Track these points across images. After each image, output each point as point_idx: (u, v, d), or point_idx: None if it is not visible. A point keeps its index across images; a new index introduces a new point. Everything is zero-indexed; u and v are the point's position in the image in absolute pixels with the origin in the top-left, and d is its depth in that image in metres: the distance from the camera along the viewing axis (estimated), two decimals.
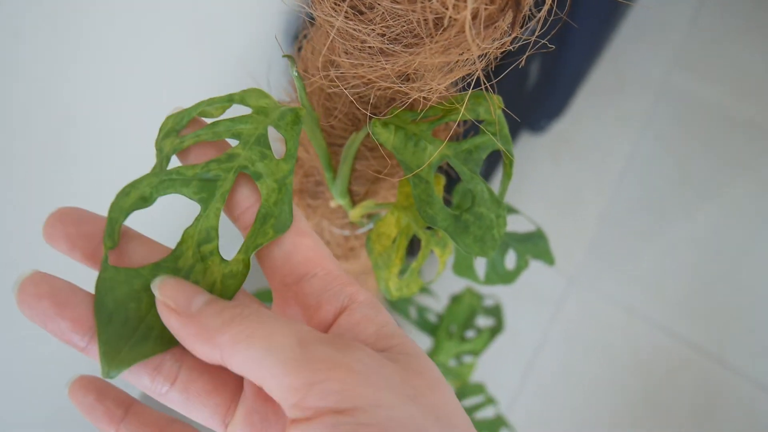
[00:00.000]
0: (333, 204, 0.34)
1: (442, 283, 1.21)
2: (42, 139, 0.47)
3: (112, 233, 0.20)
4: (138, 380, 0.20)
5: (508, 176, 0.29)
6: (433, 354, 0.74)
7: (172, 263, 0.20)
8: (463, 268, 0.41)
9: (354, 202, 0.35)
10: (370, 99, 0.27)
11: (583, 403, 1.16)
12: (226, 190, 0.21)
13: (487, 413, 0.74)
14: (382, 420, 0.16)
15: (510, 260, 0.43)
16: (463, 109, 0.25)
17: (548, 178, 1.38)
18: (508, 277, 0.43)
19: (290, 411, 0.17)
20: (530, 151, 1.40)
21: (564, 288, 1.26)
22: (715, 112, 1.49)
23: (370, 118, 0.27)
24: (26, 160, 0.46)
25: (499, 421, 0.74)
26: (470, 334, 0.78)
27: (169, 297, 0.19)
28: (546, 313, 1.23)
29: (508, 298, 1.23)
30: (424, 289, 0.77)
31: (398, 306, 0.74)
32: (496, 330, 0.78)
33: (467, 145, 0.26)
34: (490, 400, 0.75)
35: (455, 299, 0.76)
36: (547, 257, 0.44)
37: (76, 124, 0.49)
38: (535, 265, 1.28)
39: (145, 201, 0.21)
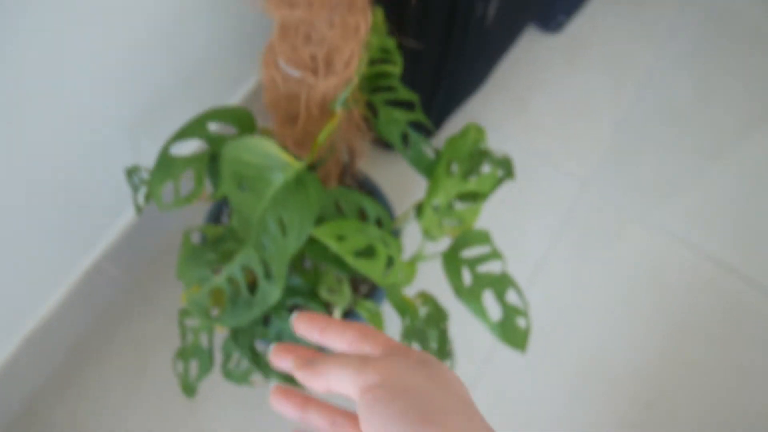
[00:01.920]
0: None
1: (444, 126, 1.07)
2: None
3: None
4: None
5: None
6: (429, 195, 0.60)
7: None
8: None
9: None
10: None
11: (592, 317, 1.03)
12: None
13: (492, 267, 0.61)
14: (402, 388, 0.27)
15: None
16: None
17: (561, 80, 1.24)
18: None
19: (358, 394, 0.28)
20: (541, 50, 1.26)
21: (576, 194, 1.13)
22: (748, 25, 1.35)
23: None
24: None
25: (505, 279, 0.61)
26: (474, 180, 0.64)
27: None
28: (555, 221, 1.10)
29: (514, 202, 1.09)
30: (420, 117, 0.63)
31: (387, 131, 0.60)
32: (505, 176, 0.64)
33: None
34: (495, 253, 0.61)
35: (457, 135, 0.63)
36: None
37: None
38: (548, 167, 1.15)
39: None
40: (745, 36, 1.34)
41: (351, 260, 0.51)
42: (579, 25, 1.30)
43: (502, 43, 1.00)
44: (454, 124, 1.12)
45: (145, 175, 0.75)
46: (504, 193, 1.09)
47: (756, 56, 1.31)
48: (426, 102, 0.97)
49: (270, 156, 0.45)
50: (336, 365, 0.29)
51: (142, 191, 0.76)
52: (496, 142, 1.14)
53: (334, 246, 0.51)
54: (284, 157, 0.45)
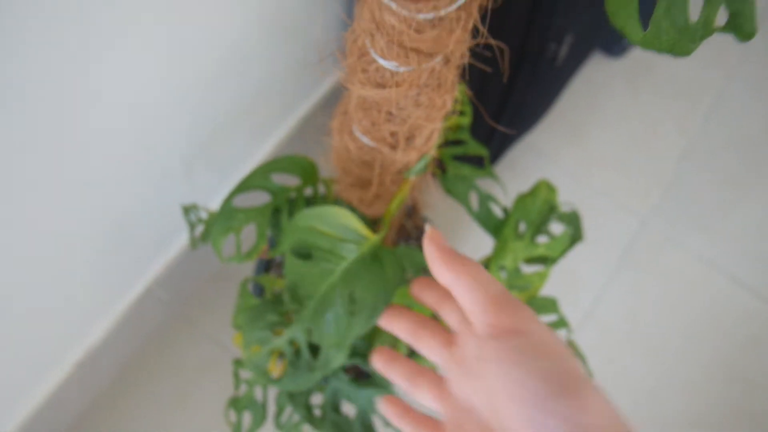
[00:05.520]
0: None
1: (513, 177, 1.04)
2: None
3: None
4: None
5: None
6: (495, 257, 0.57)
7: None
8: (618, 4, 0.24)
9: None
10: None
11: (646, 361, 0.99)
12: None
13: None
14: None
15: (695, 7, 0.26)
16: None
17: (624, 107, 1.19)
18: (686, 39, 0.26)
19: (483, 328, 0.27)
20: (604, 76, 1.21)
21: (635, 231, 1.08)
22: None
23: None
24: None
25: (570, 348, 0.58)
26: (542, 239, 0.62)
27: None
28: (613, 258, 1.06)
29: None
30: (489, 173, 0.60)
31: (456, 190, 0.57)
32: (575, 237, 0.61)
33: None
34: (563, 322, 0.58)
35: (528, 193, 0.60)
36: (747, 20, 0.27)
37: None
38: (606, 202, 1.11)
39: None
40: None
41: None
42: None
43: (568, 76, 0.96)
44: (512, 155, 1.08)
45: (203, 214, 0.74)
46: (561, 228, 1.05)
47: None
48: (487, 133, 0.93)
49: (346, 227, 0.42)
50: (472, 277, 0.26)
51: (199, 228, 0.75)
52: (553, 176, 1.10)
53: None
54: (362, 229, 0.43)
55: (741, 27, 0.27)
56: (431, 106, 0.38)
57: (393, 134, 0.42)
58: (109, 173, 0.67)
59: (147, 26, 0.57)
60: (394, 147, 0.43)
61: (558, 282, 1.03)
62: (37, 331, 0.74)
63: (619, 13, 0.24)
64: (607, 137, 1.16)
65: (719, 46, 1.27)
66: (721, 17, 0.26)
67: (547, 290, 0.98)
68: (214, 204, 0.89)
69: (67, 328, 0.79)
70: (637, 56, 1.24)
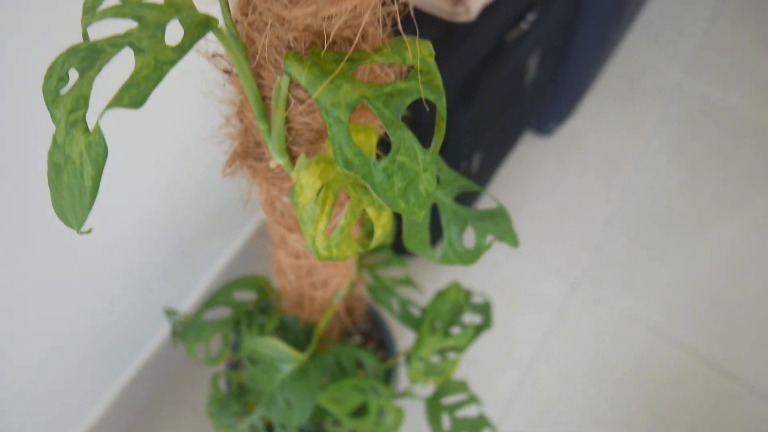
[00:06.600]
0: (273, 164, 0.33)
1: (431, 277, 1.19)
2: None
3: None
4: None
5: (440, 132, 0.27)
6: (415, 349, 0.72)
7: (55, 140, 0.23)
8: (415, 242, 0.39)
9: (294, 163, 0.34)
10: (288, 42, 0.26)
11: (581, 413, 1.12)
12: (105, 62, 0.23)
13: (469, 412, 0.72)
14: None
15: (470, 239, 0.42)
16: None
17: (554, 181, 1.35)
18: (468, 257, 0.41)
19: None
20: (535, 153, 1.38)
21: (566, 294, 1.23)
22: (731, 120, 1.45)
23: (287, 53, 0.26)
24: None
25: (481, 421, 0.72)
26: (456, 330, 0.76)
27: None
28: (546, 319, 1.20)
29: (506, 302, 1.20)
30: (408, 282, 0.75)
31: (380, 298, 0.72)
32: (482, 327, 0.76)
33: (389, 88, 0.25)
34: (472, 399, 0.72)
35: (440, 294, 0.74)
36: (510, 238, 0.42)
37: None
38: (539, 268, 1.26)
39: (63, 80, 0.24)
40: (731, 128, 1.44)
41: (346, 421, 0.63)
42: (571, 126, 1.42)
43: (486, 180, 1.12)
44: None
45: (180, 317, 0.88)
46: (496, 294, 1.20)
47: (739, 148, 1.41)
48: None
49: (280, 351, 0.57)
50: None
51: (179, 329, 0.89)
52: (491, 250, 1.25)
53: (333, 410, 0.63)
54: (291, 352, 0.58)
55: (508, 242, 0.42)
56: (335, 266, 0.54)
57: (312, 282, 0.57)
58: (107, 282, 0.82)
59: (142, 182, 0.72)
60: (315, 288, 0.58)
61: (498, 344, 1.17)
62: (49, 413, 0.88)
63: (417, 248, 0.39)
64: (539, 209, 1.32)
65: (636, 117, 1.44)
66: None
67: (489, 355, 1.13)
68: (195, 294, 1.03)
69: (71, 409, 0.92)
70: (566, 133, 1.41)
